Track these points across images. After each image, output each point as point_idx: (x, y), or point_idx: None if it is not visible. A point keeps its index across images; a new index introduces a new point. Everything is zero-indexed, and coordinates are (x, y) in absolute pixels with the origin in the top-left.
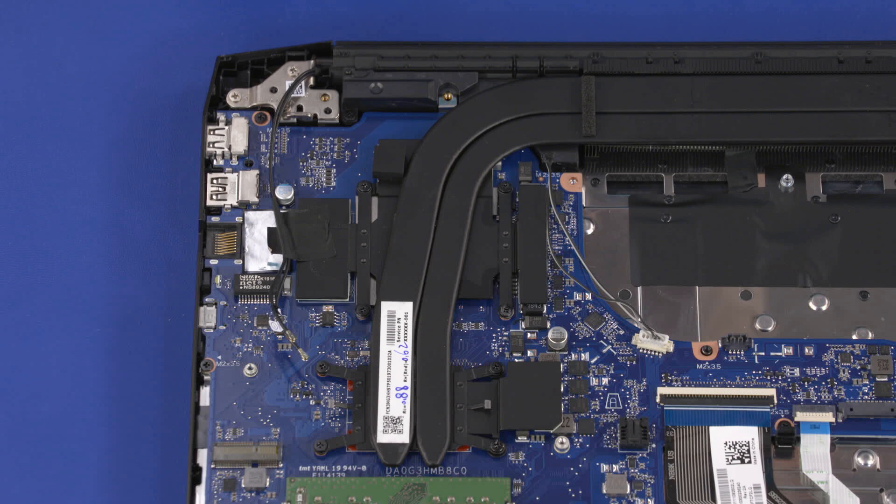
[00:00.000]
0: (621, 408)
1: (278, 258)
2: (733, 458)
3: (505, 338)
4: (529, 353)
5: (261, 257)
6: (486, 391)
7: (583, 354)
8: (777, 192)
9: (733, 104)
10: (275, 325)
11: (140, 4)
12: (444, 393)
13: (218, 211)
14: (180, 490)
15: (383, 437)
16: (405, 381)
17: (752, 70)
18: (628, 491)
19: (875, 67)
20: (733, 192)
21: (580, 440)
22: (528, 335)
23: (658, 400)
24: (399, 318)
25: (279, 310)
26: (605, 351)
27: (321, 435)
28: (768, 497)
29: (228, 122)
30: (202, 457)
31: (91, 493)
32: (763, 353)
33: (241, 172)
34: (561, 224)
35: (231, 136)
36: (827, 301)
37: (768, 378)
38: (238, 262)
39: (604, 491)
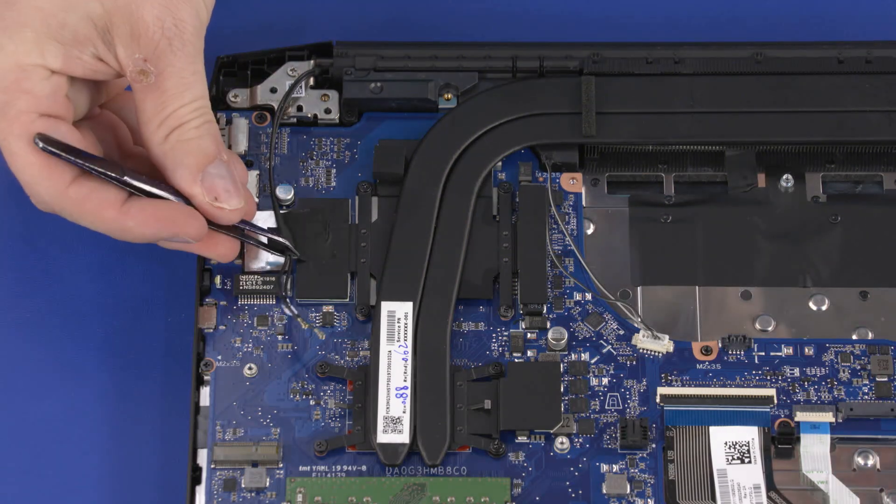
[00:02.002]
0: (621, 408)
1: (278, 258)
2: (733, 458)
3: (505, 338)
4: (529, 353)
5: (261, 257)
6: (486, 391)
7: (583, 354)
8: (777, 192)
9: (733, 104)
10: (287, 312)
11: None
12: (444, 393)
13: None
14: (180, 490)
15: (383, 437)
16: (405, 381)
17: (752, 70)
18: (628, 491)
19: (875, 67)
20: (733, 192)
21: (580, 440)
22: (528, 335)
23: (658, 400)
24: (399, 318)
25: (287, 299)
26: (605, 351)
27: (321, 435)
28: (768, 497)
29: (229, 122)
30: (202, 457)
31: (91, 493)
32: (763, 353)
33: None
34: (561, 224)
35: (231, 136)
36: (827, 301)
37: (768, 378)
38: (238, 262)
39: (604, 491)
